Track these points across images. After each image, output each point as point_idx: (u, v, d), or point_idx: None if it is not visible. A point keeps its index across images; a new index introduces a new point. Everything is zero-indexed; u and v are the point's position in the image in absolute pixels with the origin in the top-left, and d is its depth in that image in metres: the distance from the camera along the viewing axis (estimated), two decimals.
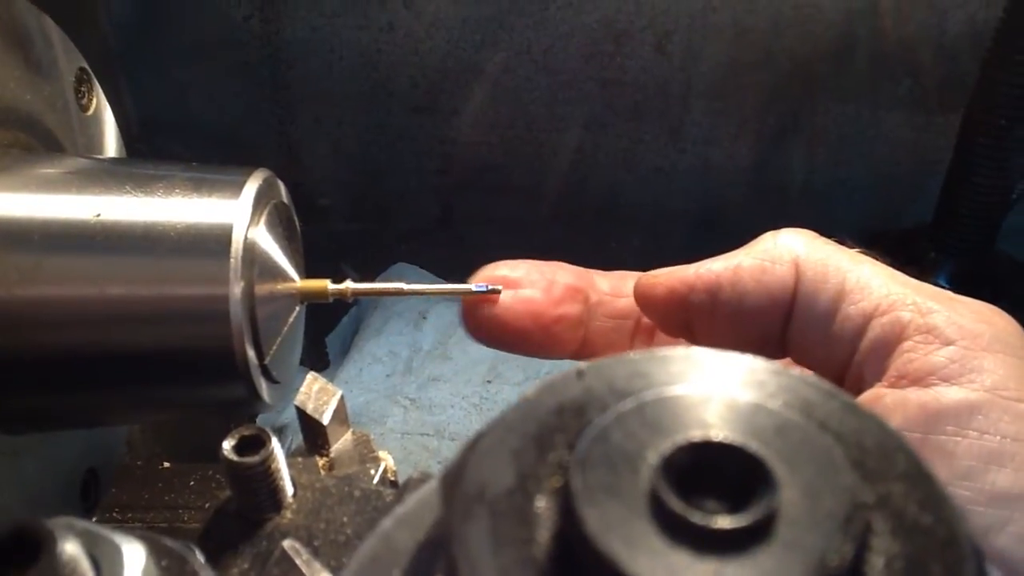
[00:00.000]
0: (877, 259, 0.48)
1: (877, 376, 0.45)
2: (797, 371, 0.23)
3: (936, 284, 1.44)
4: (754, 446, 0.20)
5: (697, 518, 0.18)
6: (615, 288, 0.56)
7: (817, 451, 0.20)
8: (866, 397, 0.44)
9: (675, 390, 0.21)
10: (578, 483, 0.19)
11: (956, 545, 0.19)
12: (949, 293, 0.46)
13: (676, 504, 0.19)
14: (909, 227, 1.42)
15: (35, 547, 0.29)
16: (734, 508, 0.19)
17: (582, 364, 0.23)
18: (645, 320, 0.56)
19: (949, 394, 0.42)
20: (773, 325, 0.48)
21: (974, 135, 1.24)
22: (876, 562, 0.19)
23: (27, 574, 0.29)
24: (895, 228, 1.44)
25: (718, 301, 0.48)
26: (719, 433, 0.20)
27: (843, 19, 1.28)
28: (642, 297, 0.52)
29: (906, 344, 0.43)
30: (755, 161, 1.40)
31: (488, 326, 0.55)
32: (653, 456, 0.20)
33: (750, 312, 0.48)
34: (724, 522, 0.19)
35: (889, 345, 0.44)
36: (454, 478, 0.21)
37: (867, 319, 0.45)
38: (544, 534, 0.20)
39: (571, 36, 1.28)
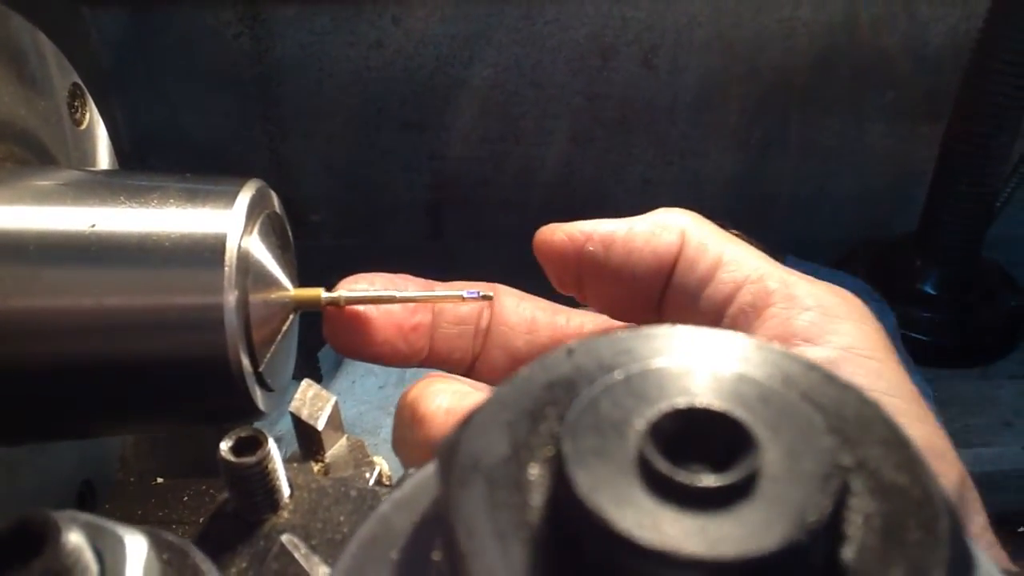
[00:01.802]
0: (751, 243, 0.54)
1: None
2: (779, 346, 0.24)
3: (923, 292, 1.45)
4: (737, 412, 0.21)
5: (683, 478, 0.19)
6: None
7: (798, 417, 0.21)
8: None
9: (661, 362, 0.22)
10: (569, 448, 0.20)
11: (931, 503, 0.20)
12: (807, 275, 0.52)
13: (663, 465, 0.19)
14: (894, 236, 1.43)
15: (39, 538, 0.30)
16: (719, 470, 0.20)
17: (572, 343, 0.24)
18: (482, 324, 0.61)
19: (811, 353, 0.47)
20: (654, 286, 0.54)
21: (957, 145, 1.26)
22: (855, 520, 0.20)
23: (32, 565, 0.29)
24: (881, 237, 1.45)
25: (610, 254, 0.54)
26: (704, 400, 0.21)
27: (826, 32, 1.29)
28: (542, 244, 0.56)
29: (771, 310, 0.49)
30: (741, 173, 1.42)
31: (358, 340, 0.59)
32: (640, 422, 0.21)
33: (636, 269, 0.53)
34: (709, 480, 0.19)
35: (757, 309, 0.50)
36: (450, 450, 0.22)
37: (738, 287, 0.51)
38: (537, 499, 0.20)
39: (558, 51, 1.30)
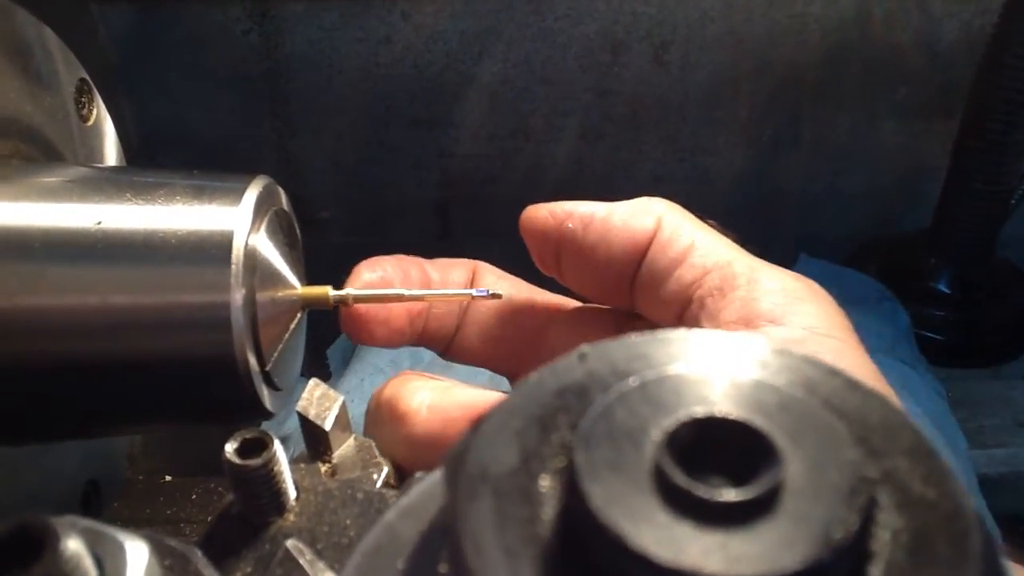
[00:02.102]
0: (726, 233, 0.56)
1: (712, 319, 0.52)
2: (800, 352, 0.23)
3: (936, 290, 1.44)
4: (758, 421, 0.20)
5: (702, 492, 0.18)
6: (444, 276, 0.63)
7: (821, 427, 0.20)
8: None
9: (678, 369, 0.22)
10: (582, 459, 0.19)
11: (961, 518, 0.19)
12: (772, 264, 0.54)
13: (680, 478, 0.19)
14: (906, 234, 1.42)
15: (38, 544, 0.29)
16: (738, 483, 0.19)
17: (584, 347, 0.23)
18: (464, 302, 0.64)
19: (775, 333, 0.49)
20: (628, 267, 0.56)
21: (970, 142, 1.24)
22: (882, 536, 0.19)
23: (30, 571, 0.29)
24: (892, 235, 1.44)
25: (588, 232, 0.56)
26: (723, 409, 0.20)
27: (837, 27, 1.28)
28: (526, 221, 0.59)
29: (737, 293, 0.51)
30: (752, 169, 1.41)
31: (375, 330, 0.60)
32: (656, 432, 0.20)
33: (612, 249, 0.56)
34: (729, 495, 0.19)
35: (723, 291, 0.52)
36: (457, 459, 0.21)
37: (707, 271, 0.53)
38: (548, 512, 0.20)
39: (569, 47, 1.28)
